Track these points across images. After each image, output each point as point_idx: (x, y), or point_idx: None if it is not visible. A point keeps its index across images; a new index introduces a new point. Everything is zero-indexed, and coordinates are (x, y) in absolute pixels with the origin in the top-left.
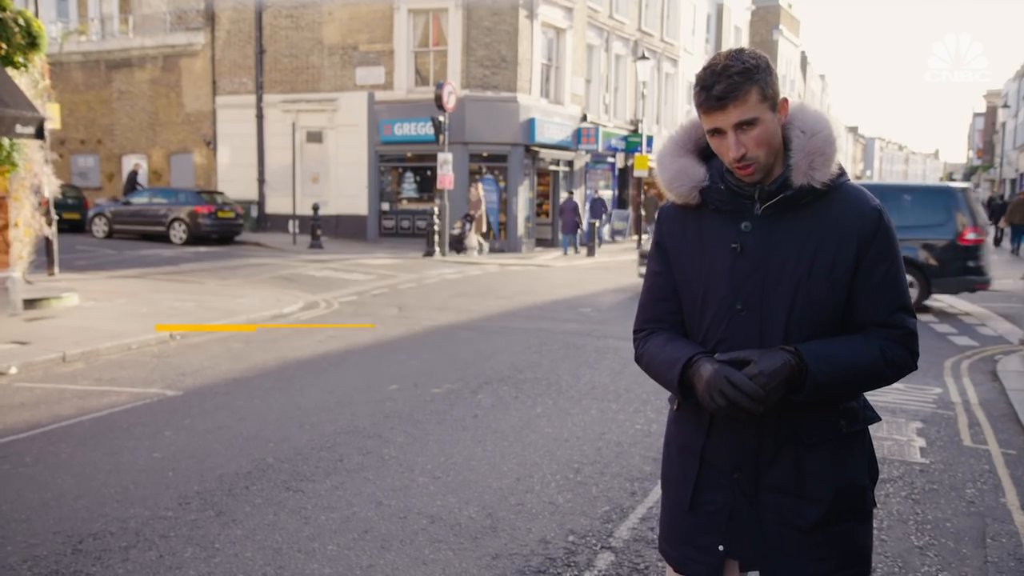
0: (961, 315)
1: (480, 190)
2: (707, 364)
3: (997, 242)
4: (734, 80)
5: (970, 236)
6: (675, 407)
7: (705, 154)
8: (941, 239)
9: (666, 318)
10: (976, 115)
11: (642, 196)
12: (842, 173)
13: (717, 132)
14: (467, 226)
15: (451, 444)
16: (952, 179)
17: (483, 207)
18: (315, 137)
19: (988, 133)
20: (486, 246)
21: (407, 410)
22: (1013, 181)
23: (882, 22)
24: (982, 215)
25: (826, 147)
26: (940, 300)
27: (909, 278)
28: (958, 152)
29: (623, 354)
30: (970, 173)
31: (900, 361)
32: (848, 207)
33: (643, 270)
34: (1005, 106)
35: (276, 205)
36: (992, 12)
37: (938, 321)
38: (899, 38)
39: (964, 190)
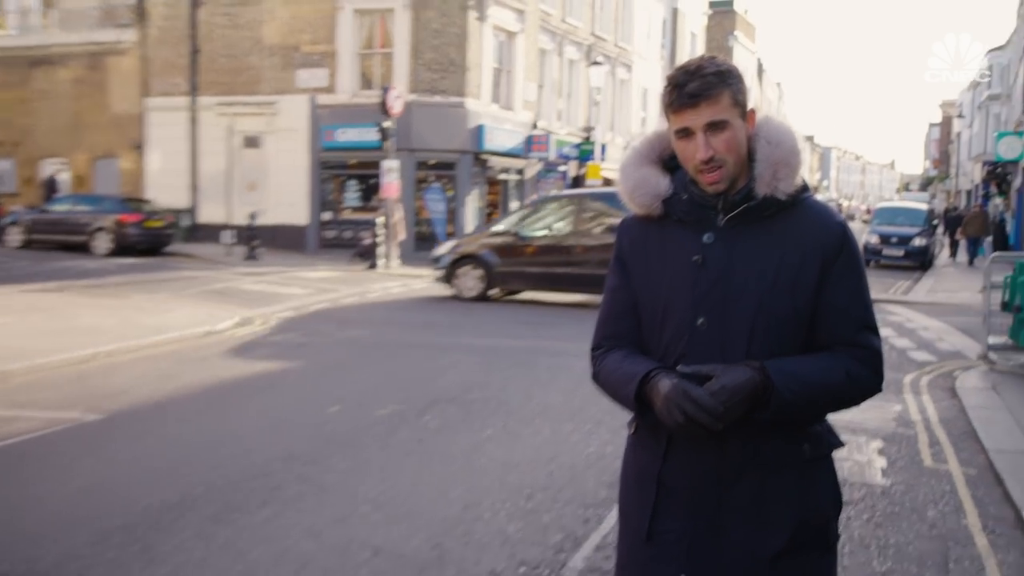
0: (920, 329)
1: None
2: (665, 379)
3: (953, 254)
4: (708, 79)
5: None
6: (632, 431)
7: (668, 165)
8: None
9: (626, 334)
10: (932, 125)
11: None
12: (806, 188)
13: (685, 133)
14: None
15: (395, 470)
16: (908, 189)
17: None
18: (253, 142)
19: (944, 143)
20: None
21: (349, 433)
22: (968, 192)
23: (839, 30)
24: None
25: (791, 158)
26: (898, 314)
27: None
28: (914, 163)
29: (576, 372)
30: (926, 183)
31: (866, 382)
32: (812, 222)
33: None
34: (960, 116)
35: (210, 214)
36: (948, 22)
37: (896, 335)
38: (856, 46)
39: None
